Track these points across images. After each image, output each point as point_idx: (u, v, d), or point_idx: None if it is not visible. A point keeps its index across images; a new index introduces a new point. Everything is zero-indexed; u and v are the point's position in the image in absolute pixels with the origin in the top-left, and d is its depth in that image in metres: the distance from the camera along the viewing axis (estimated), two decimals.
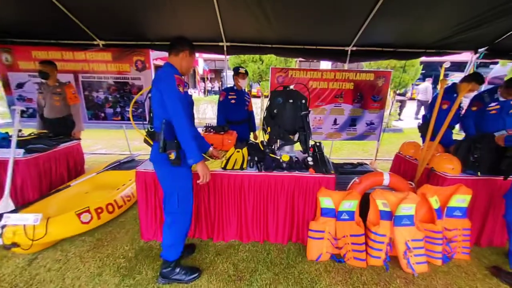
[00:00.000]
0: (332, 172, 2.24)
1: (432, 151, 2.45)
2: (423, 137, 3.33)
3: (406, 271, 2.03)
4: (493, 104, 2.84)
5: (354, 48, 3.88)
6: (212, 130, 2.72)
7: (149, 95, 2.10)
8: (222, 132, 2.68)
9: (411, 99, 13.77)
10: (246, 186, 2.24)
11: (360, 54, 3.97)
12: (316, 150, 2.45)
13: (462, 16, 2.97)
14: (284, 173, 2.22)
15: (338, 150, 5.88)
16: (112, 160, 3.78)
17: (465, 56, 4.13)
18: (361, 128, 4.41)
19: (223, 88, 3.33)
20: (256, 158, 2.35)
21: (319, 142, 2.53)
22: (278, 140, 2.43)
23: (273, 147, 2.44)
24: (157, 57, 7.72)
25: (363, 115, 4.33)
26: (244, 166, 2.27)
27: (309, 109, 2.42)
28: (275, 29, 3.41)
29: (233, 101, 3.31)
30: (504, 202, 2.01)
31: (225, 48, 3.89)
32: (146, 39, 3.82)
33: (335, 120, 4.35)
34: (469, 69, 4.03)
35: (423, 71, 8.65)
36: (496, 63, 12.36)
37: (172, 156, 1.62)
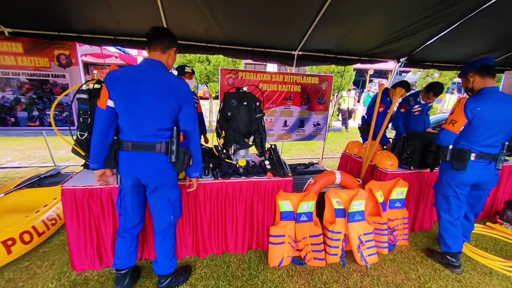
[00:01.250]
0: (290, 174, 2.24)
1: (374, 150, 2.68)
2: (363, 136, 3.67)
3: (360, 264, 2.15)
4: (416, 106, 3.30)
5: (300, 53, 4.03)
6: None
7: (78, 96, 1.76)
8: None
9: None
10: (201, 196, 2.06)
11: (306, 59, 4.14)
12: (272, 153, 2.42)
13: (388, 29, 3.35)
14: (242, 179, 2.11)
15: (288, 151, 6.08)
16: (29, 175, 3.07)
17: (389, 65, 4.75)
18: (309, 129, 4.63)
19: None
20: (211, 165, 2.18)
21: (274, 145, 2.51)
22: (233, 145, 2.32)
23: (228, 152, 2.31)
24: (85, 52, 6.70)
25: (310, 116, 4.55)
26: None
27: (263, 111, 2.38)
28: (223, 29, 3.28)
29: None
30: (434, 192, 2.30)
31: None
32: (72, 30, 3.22)
33: (285, 122, 4.46)
34: (393, 76, 4.66)
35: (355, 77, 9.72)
36: (409, 71, 14.83)
37: (191, 163, 1.66)
